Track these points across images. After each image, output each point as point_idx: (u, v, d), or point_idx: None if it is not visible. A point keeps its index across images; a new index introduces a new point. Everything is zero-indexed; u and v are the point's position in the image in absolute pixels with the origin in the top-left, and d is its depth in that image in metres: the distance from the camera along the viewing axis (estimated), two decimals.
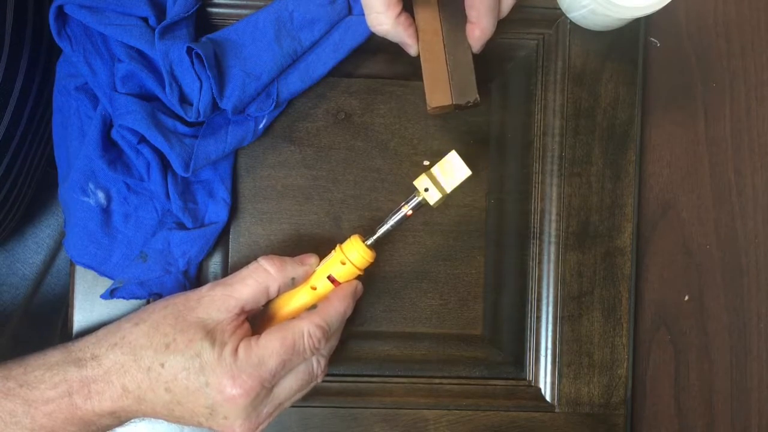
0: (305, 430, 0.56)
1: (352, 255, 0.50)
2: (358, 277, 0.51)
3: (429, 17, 0.51)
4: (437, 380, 0.56)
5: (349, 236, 0.51)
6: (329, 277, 0.50)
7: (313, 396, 0.55)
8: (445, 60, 0.50)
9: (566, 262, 0.55)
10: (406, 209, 0.50)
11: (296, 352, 0.47)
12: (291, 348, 0.47)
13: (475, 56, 0.52)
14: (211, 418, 0.47)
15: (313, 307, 0.50)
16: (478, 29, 0.50)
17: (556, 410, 0.56)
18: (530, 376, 0.56)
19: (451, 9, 0.50)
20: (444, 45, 0.51)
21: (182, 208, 0.52)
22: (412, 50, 0.51)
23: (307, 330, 0.47)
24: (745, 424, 0.58)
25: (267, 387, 0.47)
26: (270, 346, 0.46)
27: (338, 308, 0.49)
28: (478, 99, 0.51)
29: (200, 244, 0.53)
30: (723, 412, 0.58)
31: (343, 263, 0.50)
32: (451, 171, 0.49)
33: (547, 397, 0.56)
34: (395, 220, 0.50)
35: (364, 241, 0.50)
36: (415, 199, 0.50)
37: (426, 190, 0.49)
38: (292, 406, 0.55)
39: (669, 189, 0.58)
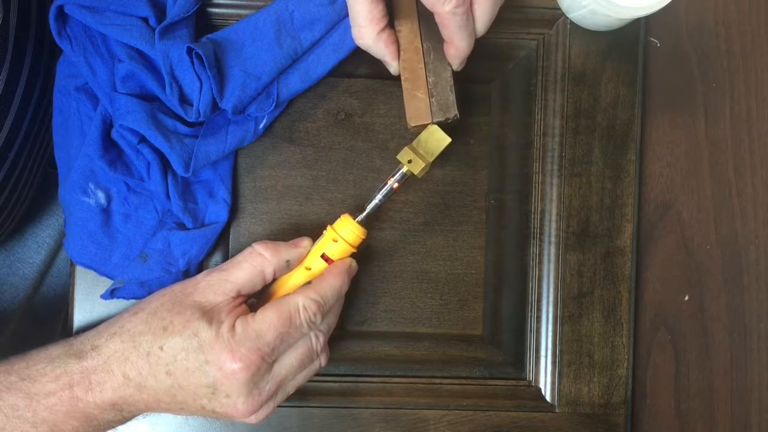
0: (305, 430, 0.56)
1: (344, 232, 0.51)
2: (353, 256, 0.52)
3: (410, 35, 0.51)
4: (437, 380, 0.56)
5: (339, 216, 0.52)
6: (323, 256, 0.51)
7: (313, 396, 0.55)
8: (425, 78, 0.51)
9: (566, 262, 0.55)
10: (392, 182, 0.51)
11: (293, 325, 0.47)
12: (287, 321, 0.47)
13: (460, 71, 0.52)
14: (214, 399, 0.47)
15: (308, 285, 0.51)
16: (452, 47, 0.50)
17: (556, 410, 0.56)
18: (530, 376, 0.56)
19: (432, 27, 0.50)
20: (425, 63, 0.51)
21: (182, 208, 0.53)
22: (392, 69, 0.52)
23: (302, 303, 0.48)
24: (745, 424, 0.58)
25: (267, 361, 0.47)
26: (266, 320, 0.47)
27: (332, 283, 0.50)
28: (458, 115, 0.52)
29: (200, 244, 0.53)
30: (723, 412, 0.58)
31: (335, 241, 0.51)
32: (432, 141, 0.51)
33: (547, 397, 0.56)
34: (383, 194, 0.52)
35: (354, 219, 0.51)
36: (399, 171, 0.51)
37: (409, 161, 0.51)
38: (292, 406, 0.55)
39: (669, 189, 0.58)
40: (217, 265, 0.54)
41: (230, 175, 0.55)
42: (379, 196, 0.52)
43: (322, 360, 0.51)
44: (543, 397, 0.56)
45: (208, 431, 0.55)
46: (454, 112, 0.51)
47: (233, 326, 0.46)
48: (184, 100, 0.51)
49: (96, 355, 0.47)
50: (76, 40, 0.51)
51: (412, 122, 0.52)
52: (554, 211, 0.55)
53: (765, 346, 0.59)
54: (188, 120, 0.51)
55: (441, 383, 0.56)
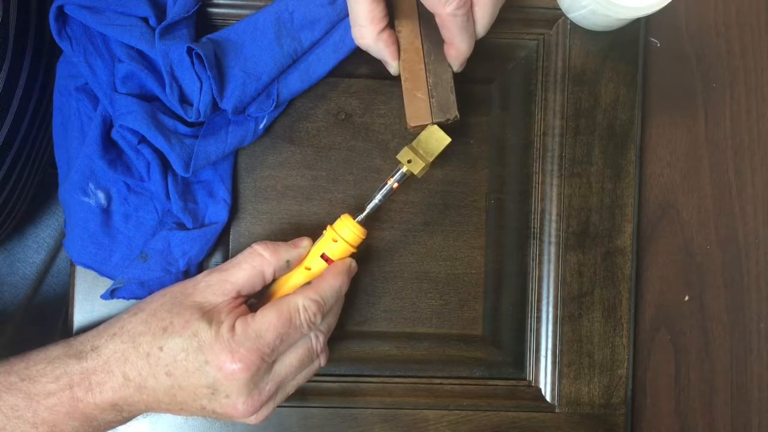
0: (305, 430, 0.56)
1: (344, 232, 0.51)
2: (353, 256, 0.52)
3: (410, 35, 0.51)
4: (437, 380, 0.56)
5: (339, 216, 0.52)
6: (323, 256, 0.51)
7: (313, 396, 0.55)
8: (426, 79, 0.51)
9: (566, 262, 0.55)
10: (392, 182, 0.51)
11: (293, 325, 0.47)
12: (287, 321, 0.47)
13: (462, 72, 0.52)
14: (214, 399, 0.47)
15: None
16: (453, 49, 0.50)
17: (556, 410, 0.56)
18: (530, 376, 0.56)
19: (433, 27, 0.50)
20: (425, 63, 0.51)
21: (182, 208, 0.53)
22: (392, 69, 0.52)
23: (302, 303, 0.48)
24: (745, 424, 0.58)
25: (267, 361, 0.47)
26: (266, 320, 0.47)
27: (332, 283, 0.50)
28: (458, 116, 0.52)
29: (200, 244, 0.53)
30: (723, 412, 0.58)
31: (335, 241, 0.51)
32: (432, 141, 0.51)
33: (547, 397, 0.56)
34: (382, 194, 0.52)
35: (354, 219, 0.51)
36: (399, 171, 0.51)
37: (409, 161, 0.51)
38: (292, 406, 0.55)
39: (669, 189, 0.58)
40: (217, 265, 0.54)
41: (230, 175, 0.55)
42: (378, 196, 0.52)
43: (322, 360, 0.51)
44: (543, 397, 0.56)
45: (208, 431, 0.55)
46: (454, 113, 0.51)
47: (233, 326, 0.46)
48: (184, 100, 0.51)
49: (96, 355, 0.47)
50: (76, 40, 0.51)
51: (412, 122, 0.52)
52: (554, 211, 0.55)
53: (765, 346, 0.59)
54: (188, 120, 0.51)
55: (441, 383, 0.56)
